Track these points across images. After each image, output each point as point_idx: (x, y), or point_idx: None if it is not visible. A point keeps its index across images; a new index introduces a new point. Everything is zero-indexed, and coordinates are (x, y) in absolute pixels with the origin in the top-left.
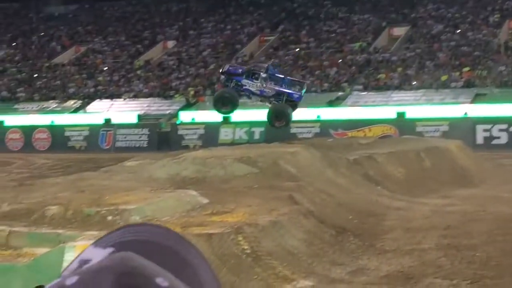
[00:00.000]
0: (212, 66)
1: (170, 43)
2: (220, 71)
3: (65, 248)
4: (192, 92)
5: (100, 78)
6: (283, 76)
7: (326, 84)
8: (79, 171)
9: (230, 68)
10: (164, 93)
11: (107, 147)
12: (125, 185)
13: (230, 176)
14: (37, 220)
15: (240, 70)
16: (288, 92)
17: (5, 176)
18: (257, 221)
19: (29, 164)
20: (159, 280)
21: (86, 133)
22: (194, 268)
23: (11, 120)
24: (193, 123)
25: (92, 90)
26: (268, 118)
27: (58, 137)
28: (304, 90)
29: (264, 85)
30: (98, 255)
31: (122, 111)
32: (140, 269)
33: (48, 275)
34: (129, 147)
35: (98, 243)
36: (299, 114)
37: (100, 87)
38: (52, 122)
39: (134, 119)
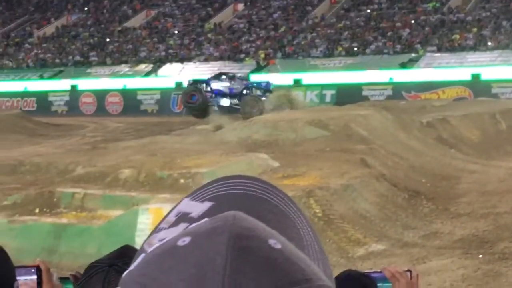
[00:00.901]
0: (282, 29)
1: (240, 6)
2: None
3: (138, 211)
4: (262, 55)
5: (171, 42)
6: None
7: (398, 46)
8: (151, 134)
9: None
10: (234, 56)
11: (179, 110)
12: (197, 148)
13: (301, 139)
14: (111, 183)
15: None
16: (256, 82)
17: (79, 139)
18: (329, 184)
19: (102, 127)
20: (271, 242)
21: (157, 96)
22: (292, 221)
23: (84, 84)
24: None
25: (163, 53)
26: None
27: (130, 101)
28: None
29: (232, 82)
30: (196, 208)
31: (193, 75)
32: (253, 230)
33: (122, 237)
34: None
35: (194, 196)
36: (371, 76)
37: (171, 51)
38: (124, 86)
39: None
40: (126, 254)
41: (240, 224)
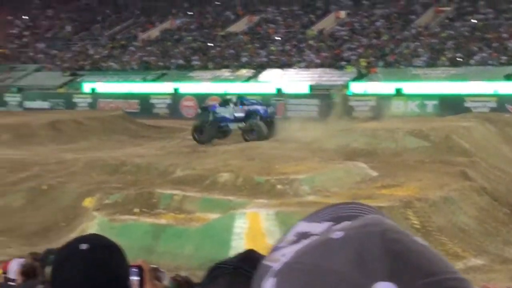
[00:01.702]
0: (385, 37)
1: (343, 13)
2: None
3: (235, 215)
4: (364, 63)
5: (272, 48)
6: (254, 100)
7: (504, 57)
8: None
9: (208, 103)
10: (335, 63)
11: (278, 116)
12: (295, 154)
13: (401, 149)
14: (209, 186)
15: (215, 103)
16: (256, 109)
17: (179, 142)
18: (428, 195)
19: None
20: (417, 239)
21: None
22: None
23: (186, 87)
24: (364, 95)
25: (264, 59)
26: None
27: None
28: (273, 109)
29: (235, 109)
30: (316, 228)
31: (294, 81)
32: (398, 227)
33: (218, 240)
34: (299, 117)
35: (310, 218)
36: (475, 87)
37: (272, 57)
38: (225, 91)
39: (305, 89)
40: (250, 258)
41: (386, 221)
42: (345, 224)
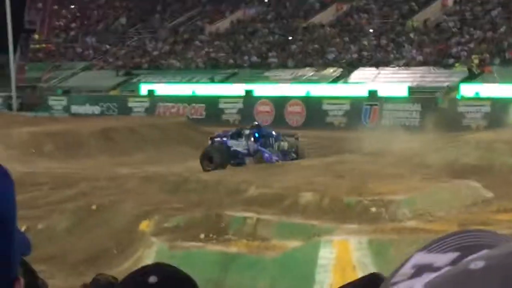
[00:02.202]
0: (502, 29)
1: (450, 1)
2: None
3: (320, 243)
4: (476, 61)
5: (365, 42)
6: (273, 133)
7: None
8: (337, 152)
9: (220, 133)
10: (441, 61)
11: (371, 124)
12: (392, 171)
13: None
14: (289, 208)
15: (228, 134)
16: (262, 150)
17: None
18: None
19: None
20: None
21: (346, 107)
22: None
23: (261, 89)
24: (477, 99)
25: (355, 56)
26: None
27: (314, 111)
28: (285, 146)
29: (248, 142)
30: (440, 259)
31: (390, 82)
32: None
33: (299, 273)
34: (397, 125)
35: (430, 248)
36: None
37: (364, 53)
38: (307, 93)
39: (404, 92)
40: (374, 283)
41: None
42: (483, 253)
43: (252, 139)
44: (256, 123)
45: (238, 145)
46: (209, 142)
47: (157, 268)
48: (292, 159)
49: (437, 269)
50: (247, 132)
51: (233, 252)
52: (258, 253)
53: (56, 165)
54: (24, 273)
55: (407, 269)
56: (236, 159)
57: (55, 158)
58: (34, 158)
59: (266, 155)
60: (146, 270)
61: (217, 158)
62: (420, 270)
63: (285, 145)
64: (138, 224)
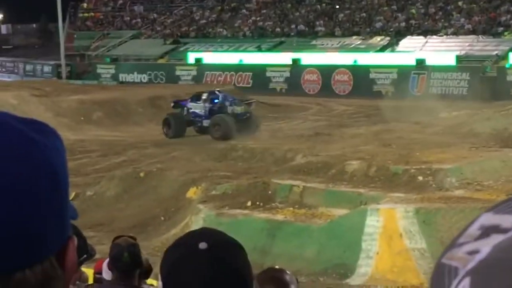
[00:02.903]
0: None
1: None
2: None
3: (367, 211)
4: None
5: (413, 11)
6: (230, 98)
7: None
8: (385, 121)
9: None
10: (490, 29)
11: (419, 93)
12: (439, 140)
13: None
14: (335, 176)
15: (188, 98)
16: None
17: (300, 123)
18: None
19: (327, 110)
20: None
21: (394, 75)
22: None
23: (308, 58)
24: None
25: (403, 24)
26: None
27: (361, 80)
28: (239, 110)
29: (205, 105)
30: (507, 221)
31: (438, 51)
32: None
33: (346, 240)
34: (445, 94)
35: (497, 209)
36: None
37: (412, 21)
38: (354, 61)
39: (452, 61)
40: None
41: None
42: None
43: (209, 103)
44: (218, 89)
45: (197, 107)
46: (172, 105)
47: (206, 233)
48: (245, 123)
49: (505, 230)
50: (205, 96)
51: (280, 219)
52: (304, 221)
53: (105, 133)
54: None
55: (474, 230)
56: (195, 122)
57: (104, 125)
58: (83, 125)
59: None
60: (196, 236)
61: (174, 124)
62: (487, 231)
63: (239, 109)
64: (186, 191)
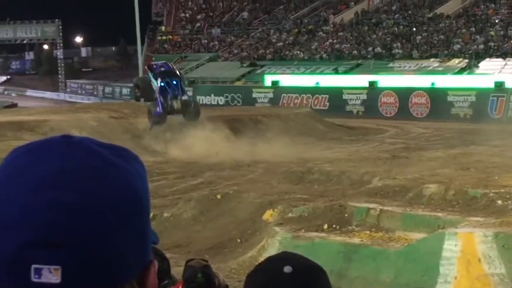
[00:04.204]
0: None
1: None
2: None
3: (445, 235)
4: None
5: (492, 33)
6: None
7: None
8: (463, 144)
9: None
10: None
11: (498, 116)
12: None
13: None
14: (413, 200)
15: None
16: (158, 101)
17: (376, 146)
18: None
19: (404, 133)
20: None
21: (472, 98)
22: None
23: (385, 80)
24: None
25: (481, 47)
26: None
27: (439, 103)
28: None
29: (158, 85)
30: None
31: None
32: None
33: (423, 264)
34: None
35: None
36: None
37: (491, 44)
38: (432, 84)
39: None
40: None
41: None
42: None
43: (160, 86)
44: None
45: (153, 82)
46: (146, 67)
47: (289, 257)
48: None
49: None
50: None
51: (356, 243)
52: (381, 245)
53: (181, 154)
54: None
55: None
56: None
57: (181, 147)
58: (162, 147)
59: (157, 109)
60: (279, 260)
61: (141, 85)
62: None
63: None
64: (262, 213)
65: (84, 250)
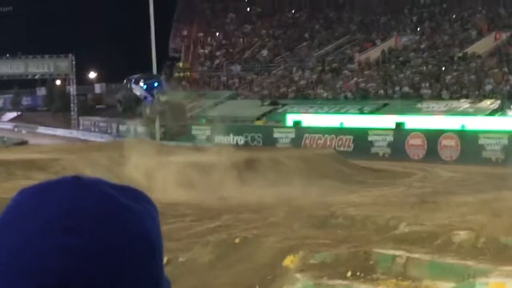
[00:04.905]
0: None
1: None
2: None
3: (475, 285)
4: None
5: None
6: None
7: None
8: (494, 189)
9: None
10: None
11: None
12: None
13: None
14: (441, 247)
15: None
16: (147, 97)
17: (403, 190)
18: None
19: (433, 177)
20: None
21: (504, 141)
22: None
23: (413, 121)
24: None
25: None
26: None
27: (469, 145)
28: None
29: (143, 90)
30: None
31: None
32: None
33: None
34: None
35: None
36: None
37: None
38: (462, 126)
39: None
40: None
41: None
42: None
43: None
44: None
45: (136, 90)
46: (125, 82)
47: None
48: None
49: None
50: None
51: None
52: None
53: (198, 196)
54: None
55: None
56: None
57: (198, 188)
58: (176, 188)
59: (149, 99)
60: None
61: (123, 100)
62: None
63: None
64: (283, 259)
65: None
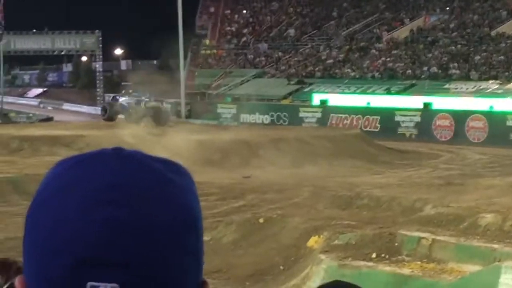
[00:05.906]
0: None
1: None
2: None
3: (501, 268)
4: None
5: None
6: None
7: None
8: None
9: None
10: None
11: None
12: None
13: None
14: (467, 230)
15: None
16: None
17: (430, 171)
18: None
19: (460, 158)
20: None
21: None
22: None
23: (441, 102)
24: None
25: None
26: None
27: (497, 127)
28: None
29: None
30: None
31: None
32: None
33: None
34: None
35: None
36: None
37: None
38: (490, 107)
39: None
40: None
41: None
42: None
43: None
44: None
45: (124, 101)
46: (110, 98)
47: (342, 286)
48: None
49: None
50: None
51: (407, 274)
52: (433, 276)
53: (225, 175)
54: None
55: None
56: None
57: (223, 168)
58: (201, 167)
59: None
60: None
61: (108, 109)
62: None
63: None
64: (307, 240)
65: (141, 268)
